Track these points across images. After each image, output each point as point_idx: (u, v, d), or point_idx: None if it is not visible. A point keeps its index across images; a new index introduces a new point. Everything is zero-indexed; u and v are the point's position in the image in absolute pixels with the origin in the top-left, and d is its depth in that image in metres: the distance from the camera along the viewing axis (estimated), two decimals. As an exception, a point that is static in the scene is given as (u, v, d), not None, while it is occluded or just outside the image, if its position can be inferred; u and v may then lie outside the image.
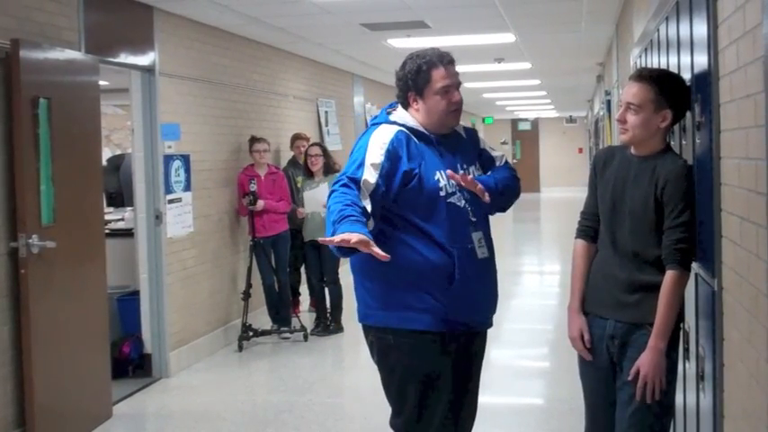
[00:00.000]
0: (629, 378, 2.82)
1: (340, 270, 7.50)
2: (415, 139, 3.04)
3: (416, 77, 3.07)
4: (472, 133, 3.32)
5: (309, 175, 7.53)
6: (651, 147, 2.90)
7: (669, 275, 2.78)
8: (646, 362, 2.79)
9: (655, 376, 2.78)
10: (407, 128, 3.06)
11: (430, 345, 3.00)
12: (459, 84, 3.12)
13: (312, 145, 7.74)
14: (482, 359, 3.25)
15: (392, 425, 3.12)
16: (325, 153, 7.56)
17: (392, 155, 2.95)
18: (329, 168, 7.44)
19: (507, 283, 10.05)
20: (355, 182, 2.89)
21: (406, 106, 3.14)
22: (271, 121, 8.49)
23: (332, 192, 2.89)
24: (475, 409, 3.23)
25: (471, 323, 3.11)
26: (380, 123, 3.10)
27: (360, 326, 3.16)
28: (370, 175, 2.89)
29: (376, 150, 2.94)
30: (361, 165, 2.92)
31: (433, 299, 2.97)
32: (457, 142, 3.20)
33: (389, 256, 2.70)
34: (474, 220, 3.07)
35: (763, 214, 1.95)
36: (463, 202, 3.05)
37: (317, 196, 7.19)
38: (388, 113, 3.16)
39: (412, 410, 3.02)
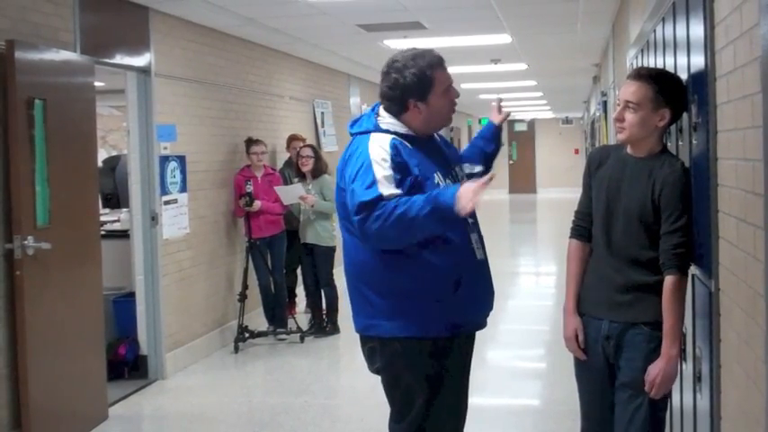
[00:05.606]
0: (648, 391, 2.80)
1: (334, 271, 7.48)
2: (407, 143, 2.98)
3: (420, 83, 2.97)
4: (443, 137, 3.32)
5: (300, 175, 7.53)
6: (648, 147, 2.90)
7: (669, 281, 2.78)
8: (659, 368, 2.77)
9: (664, 383, 2.78)
10: (398, 135, 2.99)
11: (437, 349, 2.98)
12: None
13: (304, 146, 7.69)
14: (471, 360, 3.23)
15: (392, 430, 3.10)
16: (317, 156, 7.55)
17: (398, 165, 2.88)
18: (319, 171, 7.44)
19: (504, 283, 10.04)
20: (376, 200, 2.81)
21: (400, 112, 3.03)
22: (267, 122, 8.48)
23: (374, 219, 2.78)
24: (466, 408, 3.22)
25: (474, 325, 3.12)
26: (370, 132, 3.01)
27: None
28: (386, 188, 2.83)
29: (381, 164, 2.87)
30: (373, 183, 2.83)
31: (440, 305, 2.94)
32: (436, 144, 3.18)
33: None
34: (471, 221, 3.05)
35: (761, 215, 1.94)
36: None
37: (290, 191, 7.28)
38: (378, 116, 3.06)
39: (417, 415, 3.01)
